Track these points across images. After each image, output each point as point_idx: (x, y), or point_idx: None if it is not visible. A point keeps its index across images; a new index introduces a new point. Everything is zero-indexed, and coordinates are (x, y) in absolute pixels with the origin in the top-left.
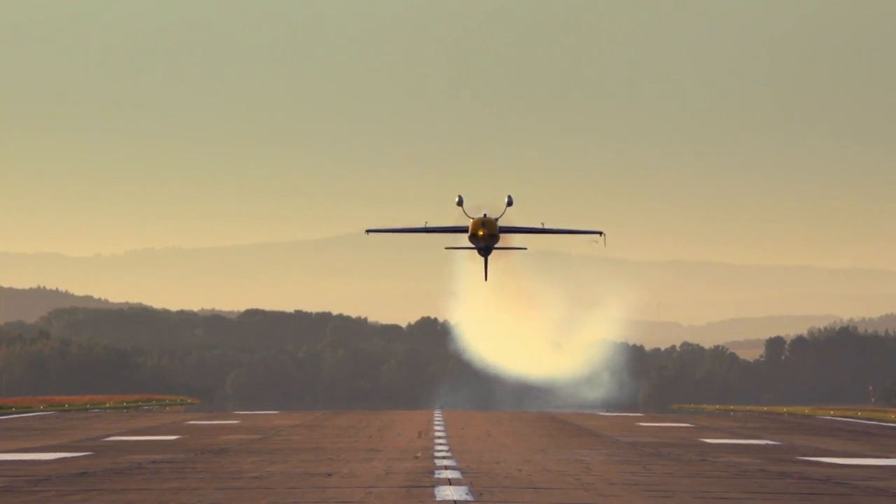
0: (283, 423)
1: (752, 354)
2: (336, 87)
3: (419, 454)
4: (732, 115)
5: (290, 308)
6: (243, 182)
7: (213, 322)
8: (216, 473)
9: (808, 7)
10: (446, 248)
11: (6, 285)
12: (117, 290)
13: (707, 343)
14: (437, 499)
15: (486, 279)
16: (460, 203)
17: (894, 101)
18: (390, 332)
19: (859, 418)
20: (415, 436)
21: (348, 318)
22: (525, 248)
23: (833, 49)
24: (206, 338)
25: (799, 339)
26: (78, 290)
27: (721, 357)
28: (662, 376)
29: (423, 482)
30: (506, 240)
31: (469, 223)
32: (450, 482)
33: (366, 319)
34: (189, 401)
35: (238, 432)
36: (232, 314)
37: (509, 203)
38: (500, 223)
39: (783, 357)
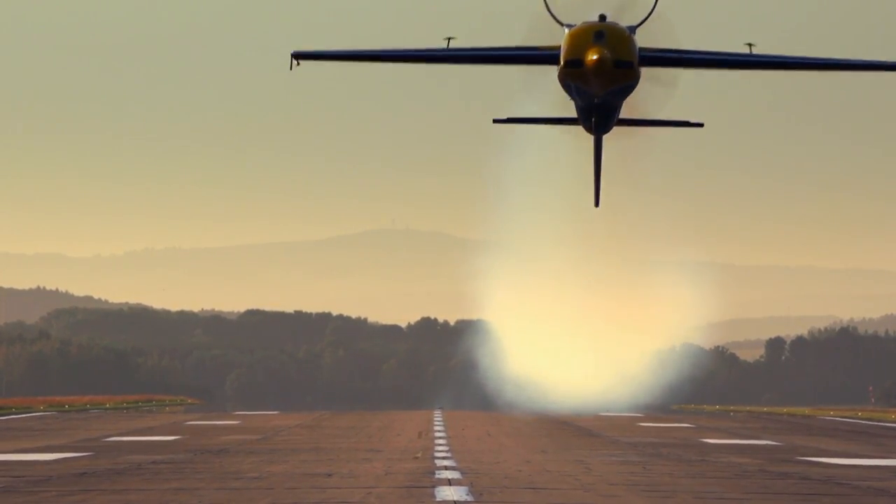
0: (282, 423)
1: (752, 355)
2: (336, 87)
3: (419, 454)
4: (730, 114)
5: (290, 308)
6: (243, 182)
7: (213, 322)
8: (216, 474)
9: (808, 6)
10: (496, 122)
11: (6, 285)
12: (117, 291)
13: (707, 343)
14: (437, 499)
15: (596, 203)
16: None
17: (894, 101)
18: (390, 332)
19: (859, 419)
20: (415, 436)
21: (348, 319)
22: (702, 125)
23: (833, 48)
24: (207, 338)
25: (799, 340)
26: (78, 290)
27: (721, 357)
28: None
29: (423, 482)
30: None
31: (563, 37)
32: (450, 482)
33: (366, 320)
34: (189, 401)
35: (238, 433)
36: (232, 314)
37: None
38: (641, 41)
39: (783, 357)
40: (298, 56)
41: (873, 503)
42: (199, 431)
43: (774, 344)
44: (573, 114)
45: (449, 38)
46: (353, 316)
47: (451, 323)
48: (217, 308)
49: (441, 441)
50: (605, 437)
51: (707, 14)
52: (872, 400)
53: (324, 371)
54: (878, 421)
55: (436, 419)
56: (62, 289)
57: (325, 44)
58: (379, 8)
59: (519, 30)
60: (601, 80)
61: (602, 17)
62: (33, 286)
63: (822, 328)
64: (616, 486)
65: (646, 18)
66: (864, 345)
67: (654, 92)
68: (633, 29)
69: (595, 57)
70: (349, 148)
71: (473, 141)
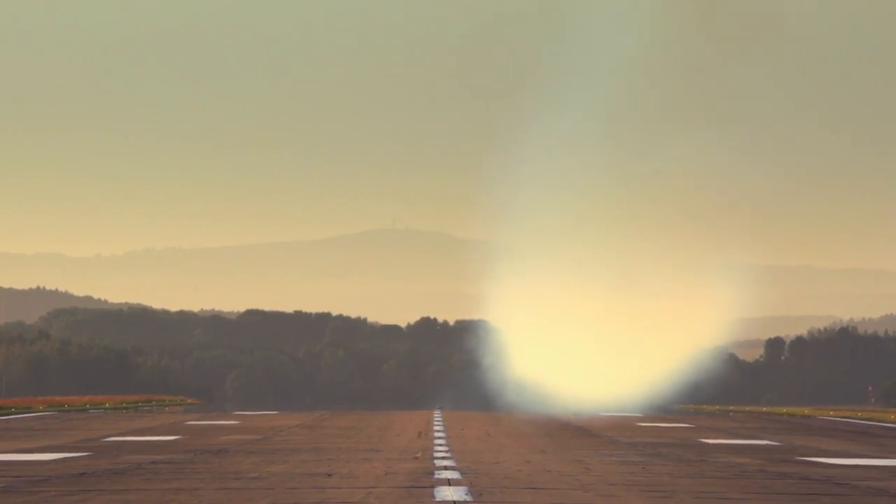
0: (282, 423)
1: (751, 355)
2: (336, 88)
3: (419, 454)
4: (730, 113)
5: (289, 308)
6: (243, 182)
7: (213, 322)
8: (216, 474)
9: (807, 5)
10: None
11: (6, 285)
12: (117, 291)
13: (708, 343)
14: (437, 499)
15: None
16: None
17: (894, 101)
18: (390, 332)
19: (859, 419)
20: (414, 436)
21: (348, 319)
22: None
23: (833, 47)
24: (207, 338)
25: (799, 340)
26: (78, 290)
27: (721, 357)
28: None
29: (423, 482)
30: None
31: None
32: (449, 482)
33: (365, 320)
34: (189, 401)
35: (237, 433)
36: (232, 314)
37: None
38: None
39: (783, 357)
40: None
41: (873, 503)
42: (198, 431)
43: (774, 344)
44: None
45: None
46: (353, 316)
47: (451, 323)
48: (217, 308)
49: (441, 441)
50: (605, 437)
51: None
52: (872, 400)
53: (323, 371)
54: (878, 421)
55: (436, 419)
56: (62, 289)
57: (324, 43)
58: (379, 7)
59: None
60: None
61: None
62: (33, 286)
63: (822, 328)
64: (615, 486)
65: None
66: (864, 345)
67: None
68: None
69: None
70: (349, 148)
71: (474, 140)
